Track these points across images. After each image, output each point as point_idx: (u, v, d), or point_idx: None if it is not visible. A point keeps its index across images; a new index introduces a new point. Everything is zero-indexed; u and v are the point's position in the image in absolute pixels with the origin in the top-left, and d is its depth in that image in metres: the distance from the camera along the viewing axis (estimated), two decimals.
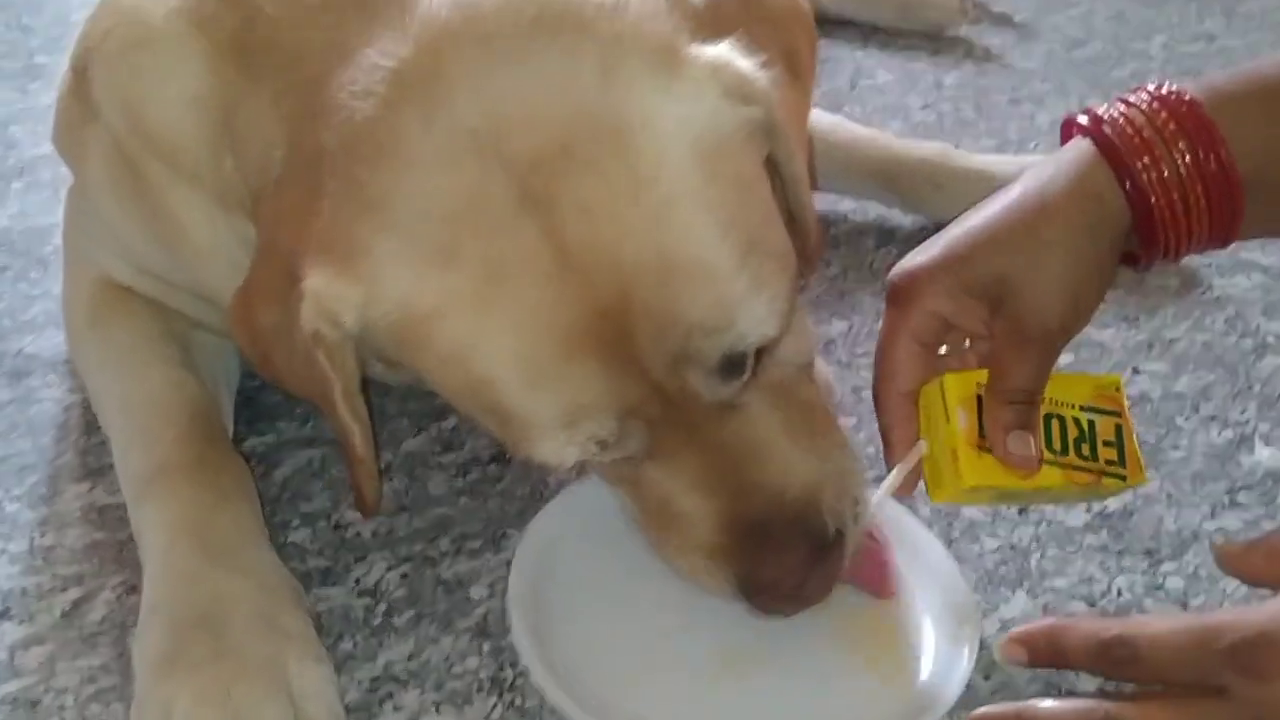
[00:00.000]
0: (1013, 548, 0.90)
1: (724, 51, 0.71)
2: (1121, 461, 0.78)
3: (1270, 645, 0.65)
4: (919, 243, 0.81)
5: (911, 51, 1.76)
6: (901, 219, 1.32)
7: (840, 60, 1.75)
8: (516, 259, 0.65)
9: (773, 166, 0.75)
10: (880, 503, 0.78)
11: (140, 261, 1.01)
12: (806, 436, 0.75)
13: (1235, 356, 1.10)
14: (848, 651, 0.79)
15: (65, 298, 1.12)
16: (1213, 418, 1.03)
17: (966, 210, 0.80)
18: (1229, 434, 1.01)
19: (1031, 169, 0.79)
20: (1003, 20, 1.85)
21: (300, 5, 0.78)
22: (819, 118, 1.34)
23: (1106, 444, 0.78)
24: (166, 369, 0.98)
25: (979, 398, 0.76)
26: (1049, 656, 0.75)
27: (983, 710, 0.75)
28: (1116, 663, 0.71)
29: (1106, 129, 0.76)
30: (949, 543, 0.91)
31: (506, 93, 0.67)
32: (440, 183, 0.66)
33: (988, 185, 1.20)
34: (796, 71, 0.81)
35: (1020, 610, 0.86)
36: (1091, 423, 0.78)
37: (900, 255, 1.23)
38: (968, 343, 0.79)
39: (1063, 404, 0.78)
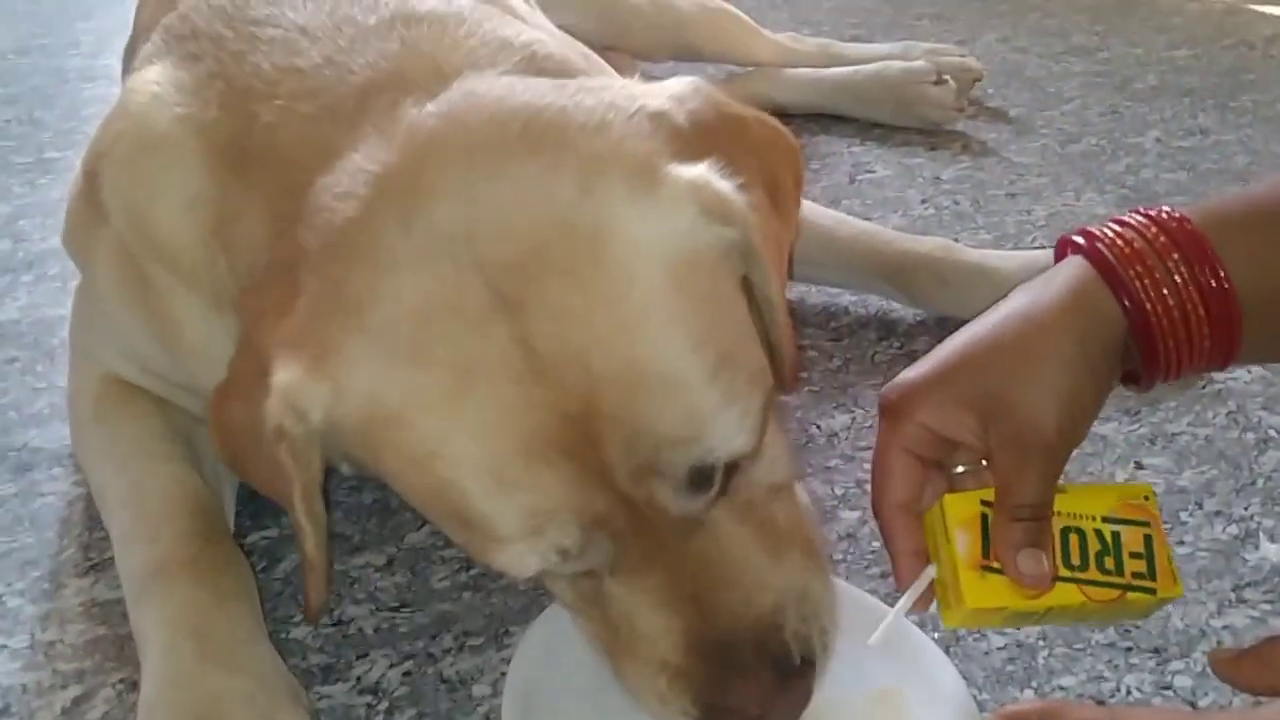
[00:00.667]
0: (1020, 645, 0.90)
1: (703, 172, 0.72)
2: (1151, 574, 0.75)
3: None
4: (920, 336, 0.82)
5: (909, 146, 1.80)
6: (903, 312, 1.33)
7: (839, 155, 1.78)
8: (485, 363, 0.65)
9: (750, 289, 0.75)
10: (890, 627, 0.76)
11: (144, 361, 1.02)
12: (774, 557, 0.73)
13: (1238, 451, 1.10)
14: None
15: (70, 392, 1.12)
16: (1217, 513, 1.02)
17: (970, 305, 0.80)
18: (1233, 529, 1.01)
19: (1024, 285, 0.79)
20: (998, 115, 1.89)
21: (295, 113, 0.80)
22: (822, 214, 1.36)
23: (1134, 555, 0.75)
24: (169, 465, 0.98)
25: (983, 516, 0.74)
26: None
27: None
28: None
29: (1100, 245, 0.76)
30: (956, 639, 0.90)
31: (485, 201, 0.68)
32: (414, 285, 0.67)
33: (991, 280, 1.22)
34: (777, 199, 0.82)
35: None
36: (1116, 534, 0.76)
37: (902, 348, 1.26)
38: (985, 461, 0.77)
39: (1082, 516, 0.76)
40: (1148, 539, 0.76)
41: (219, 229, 0.86)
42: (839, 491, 1.08)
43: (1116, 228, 0.77)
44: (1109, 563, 0.75)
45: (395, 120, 0.73)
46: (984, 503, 0.75)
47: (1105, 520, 0.76)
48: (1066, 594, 0.74)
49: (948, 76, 1.81)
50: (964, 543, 0.74)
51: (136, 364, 1.04)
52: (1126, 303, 0.74)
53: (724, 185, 0.72)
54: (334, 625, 0.95)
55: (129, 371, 1.05)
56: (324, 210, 0.72)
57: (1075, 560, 0.75)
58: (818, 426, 1.16)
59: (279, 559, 1.02)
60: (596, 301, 0.65)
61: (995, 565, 0.73)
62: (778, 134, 0.87)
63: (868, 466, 0.80)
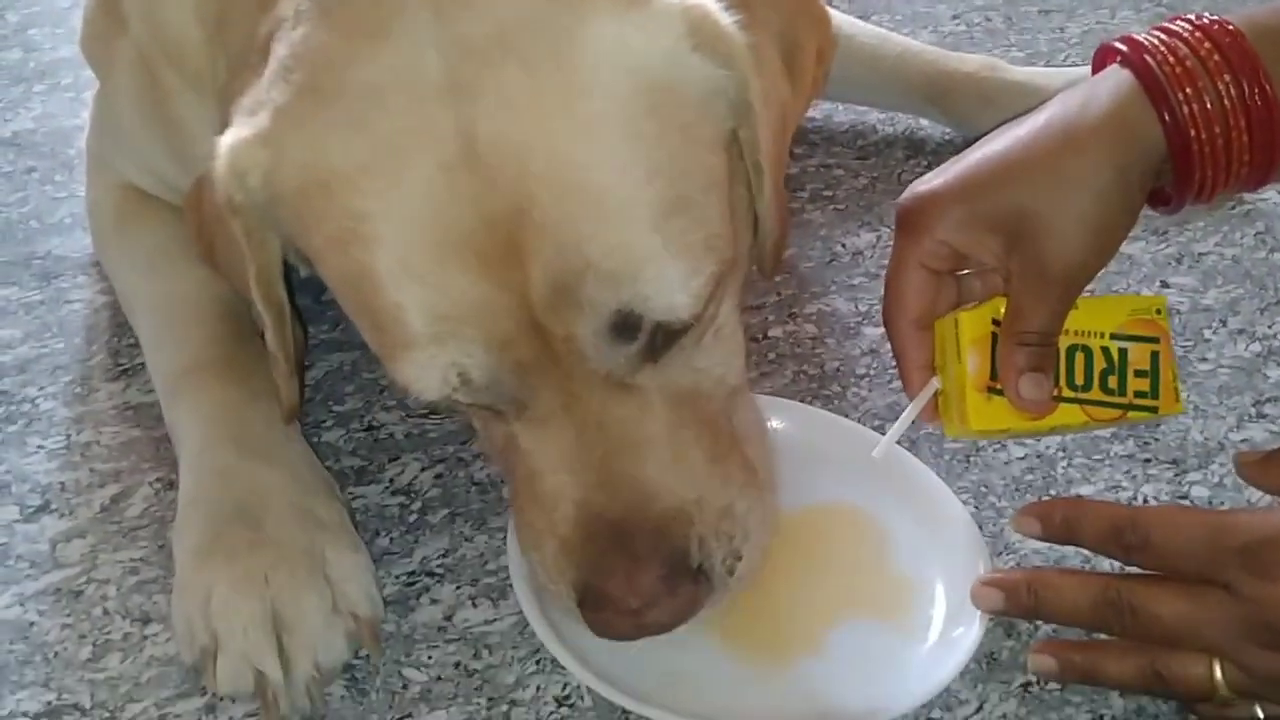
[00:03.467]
0: (1039, 456, 0.91)
1: None
2: (1154, 392, 0.75)
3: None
4: (948, 154, 0.78)
5: None
6: (931, 130, 1.31)
7: None
8: (422, 142, 0.62)
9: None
10: (890, 441, 0.76)
11: (161, 174, 1.02)
12: (702, 457, 0.69)
13: (1264, 270, 1.10)
14: (858, 609, 0.78)
15: (90, 202, 1.12)
16: (1240, 331, 1.03)
17: None
18: (1256, 347, 1.01)
19: (1062, 96, 0.74)
20: None
21: None
22: (865, 31, 1.32)
23: (1139, 374, 0.75)
24: (193, 269, 0.98)
25: (993, 335, 0.74)
26: (1062, 532, 0.74)
27: (995, 575, 0.75)
28: (1127, 547, 0.70)
29: (1147, 58, 0.71)
30: (976, 450, 0.91)
31: None
32: (371, 53, 0.64)
33: (1036, 100, 1.17)
34: (792, 66, 0.77)
35: None
36: (1123, 351, 0.75)
37: (929, 167, 1.22)
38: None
39: (1091, 333, 0.75)
40: (1154, 355, 0.75)
41: (219, 26, 0.84)
42: (862, 308, 1.08)
43: (1164, 38, 0.72)
44: (1113, 382, 0.75)
45: None
46: (995, 321, 0.74)
47: (1113, 337, 0.75)
48: (1069, 414, 0.74)
49: None
50: (974, 363, 0.74)
51: (154, 177, 1.03)
52: (1168, 122, 0.70)
53: (722, 17, 0.67)
54: (365, 430, 0.97)
55: (147, 183, 1.05)
56: None
57: (1079, 380, 0.74)
58: (843, 245, 1.16)
59: (309, 366, 1.02)
60: (549, 98, 0.62)
61: (1000, 387, 0.73)
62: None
63: None
